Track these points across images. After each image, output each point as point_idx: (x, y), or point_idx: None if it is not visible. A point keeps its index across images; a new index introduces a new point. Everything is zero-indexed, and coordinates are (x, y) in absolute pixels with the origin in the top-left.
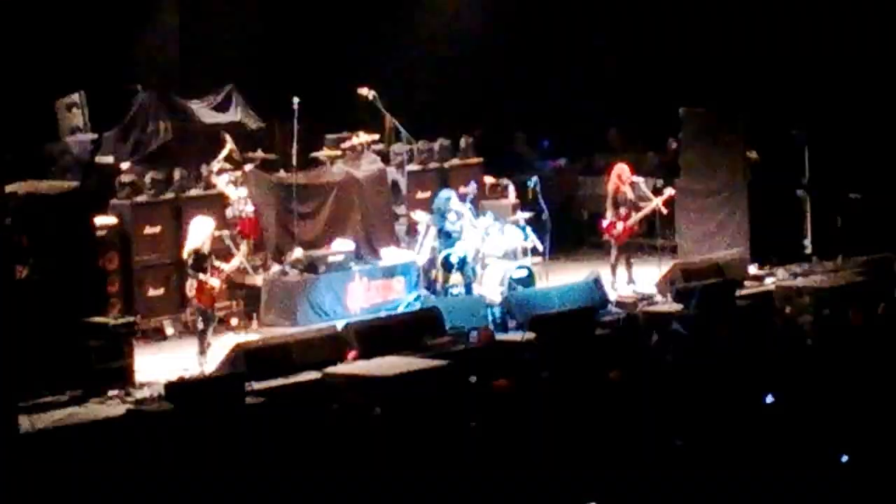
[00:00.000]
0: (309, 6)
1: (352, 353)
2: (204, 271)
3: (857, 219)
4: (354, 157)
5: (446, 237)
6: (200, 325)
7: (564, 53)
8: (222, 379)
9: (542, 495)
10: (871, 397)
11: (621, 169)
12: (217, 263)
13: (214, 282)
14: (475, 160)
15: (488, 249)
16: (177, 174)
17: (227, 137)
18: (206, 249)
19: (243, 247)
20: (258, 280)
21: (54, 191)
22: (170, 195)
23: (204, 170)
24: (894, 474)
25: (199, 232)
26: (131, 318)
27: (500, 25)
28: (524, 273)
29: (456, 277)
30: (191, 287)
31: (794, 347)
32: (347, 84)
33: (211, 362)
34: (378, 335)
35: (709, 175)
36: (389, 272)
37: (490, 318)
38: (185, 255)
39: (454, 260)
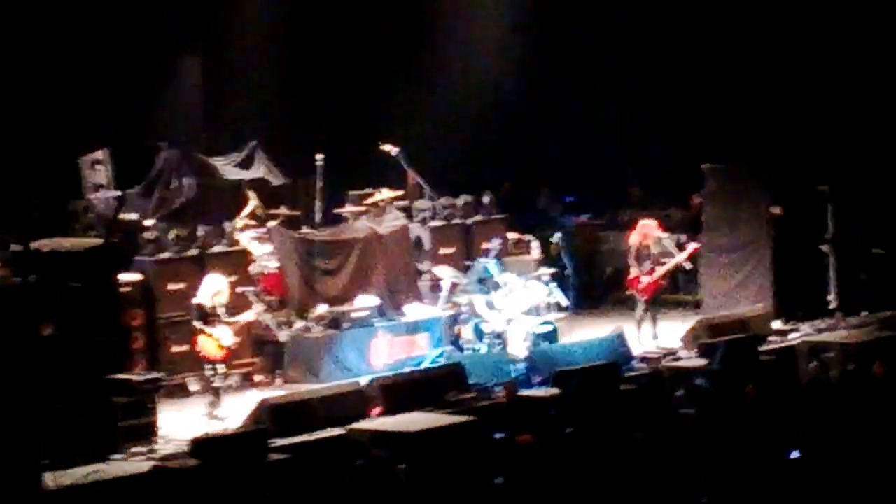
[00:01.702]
0: (332, 64)
1: (376, 409)
2: (207, 325)
3: (881, 274)
4: (378, 214)
5: (489, 306)
6: (215, 382)
7: (587, 110)
8: (247, 435)
9: None
10: None
11: (648, 225)
12: (226, 318)
13: (222, 333)
14: (499, 216)
15: (512, 305)
16: (200, 231)
17: (252, 194)
18: (209, 305)
19: (256, 304)
20: (282, 336)
21: (78, 247)
22: (194, 252)
23: (228, 226)
24: None
25: (206, 288)
26: (155, 375)
27: (522, 83)
28: (548, 328)
29: (483, 348)
30: (198, 342)
31: (819, 403)
32: (370, 140)
33: (235, 418)
34: (402, 391)
35: (732, 230)
36: (413, 328)
37: (514, 373)
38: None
39: (486, 329)
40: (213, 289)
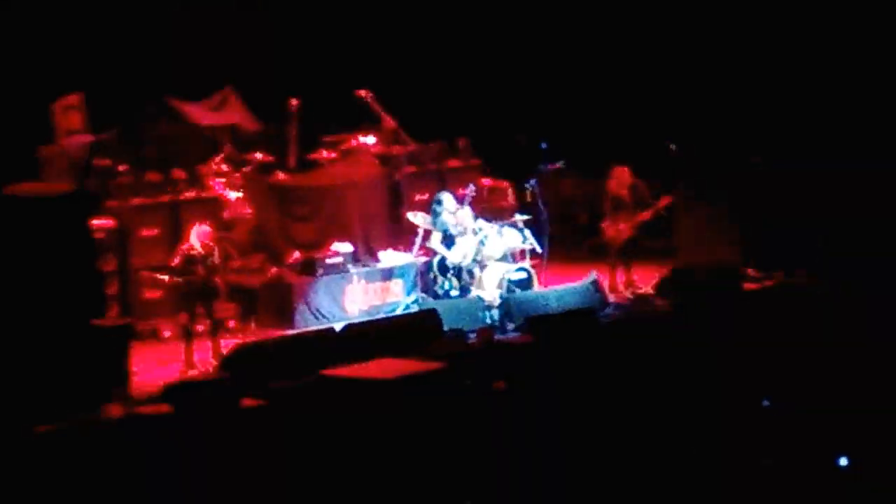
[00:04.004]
0: (307, 6)
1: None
2: (189, 273)
3: None
4: (352, 159)
5: (449, 240)
6: (189, 328)
7: (565, 53)
8: (220, 381)
9: (540, 496)
10: (872, 399)
11: (621, 172)
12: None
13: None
14: (473, 162)
15: (487, 252)
16: (174, 176)
17: (226, 139)
18: (193, 252)
19: (216, 251)
20: (256, 282)
21: (51, 193)
22: (167, 197)
23: (201, 172)
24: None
25: (192, 236)
26: (129, 321)
27: (500, 27)
28: (523, 275)
29: (453, 281)
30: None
31: (790, 349)
32: (345, 86)
33: (208, 364)
34: (376, 337)
35: (708, 178)
36: (387, 274)
37: (488, 319)
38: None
39: (449, 264)
40: (196, 235)
